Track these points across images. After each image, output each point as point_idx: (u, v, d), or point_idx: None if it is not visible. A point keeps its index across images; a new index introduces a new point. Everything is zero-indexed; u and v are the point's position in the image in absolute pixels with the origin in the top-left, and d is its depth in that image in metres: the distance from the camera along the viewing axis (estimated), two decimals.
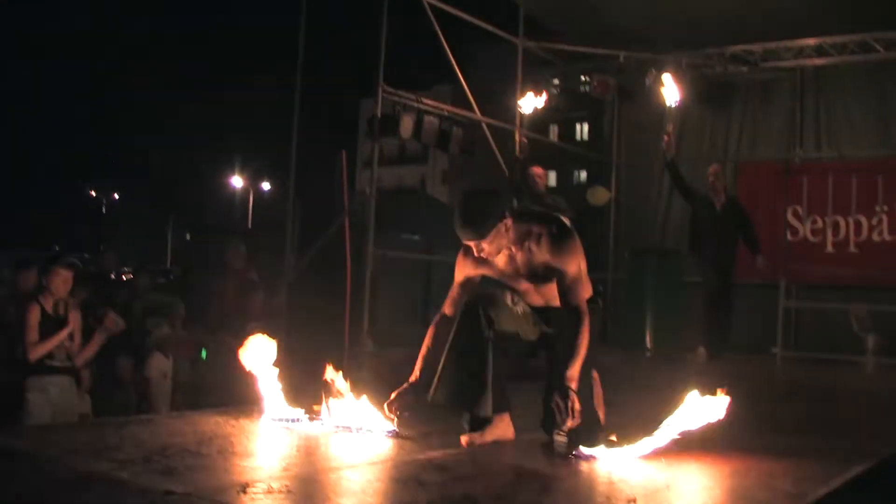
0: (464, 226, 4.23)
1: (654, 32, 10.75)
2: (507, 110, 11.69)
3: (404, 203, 16.25)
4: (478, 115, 10.72)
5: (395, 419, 4.24)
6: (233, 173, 46.01)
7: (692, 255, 10.03)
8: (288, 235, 10.95)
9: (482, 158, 11.44)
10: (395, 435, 4.23)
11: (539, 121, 12.18)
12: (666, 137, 9.82)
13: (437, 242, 13.55)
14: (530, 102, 10.98)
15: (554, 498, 3.23)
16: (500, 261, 4.45)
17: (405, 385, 4.36)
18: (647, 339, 10.26)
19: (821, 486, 3.57)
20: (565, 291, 4.34)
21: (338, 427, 4.36)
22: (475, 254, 4.38)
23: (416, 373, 4.41)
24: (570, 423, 4.02)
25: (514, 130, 11.04)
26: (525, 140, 10.80)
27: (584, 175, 43.38)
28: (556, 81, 12.78)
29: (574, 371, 4.14)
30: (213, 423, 4.57)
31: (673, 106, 10.37)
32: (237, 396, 8.61)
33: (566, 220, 4.51)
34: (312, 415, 4.52)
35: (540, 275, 4.40)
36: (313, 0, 9.88)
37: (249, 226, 35.38)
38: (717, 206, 9.69)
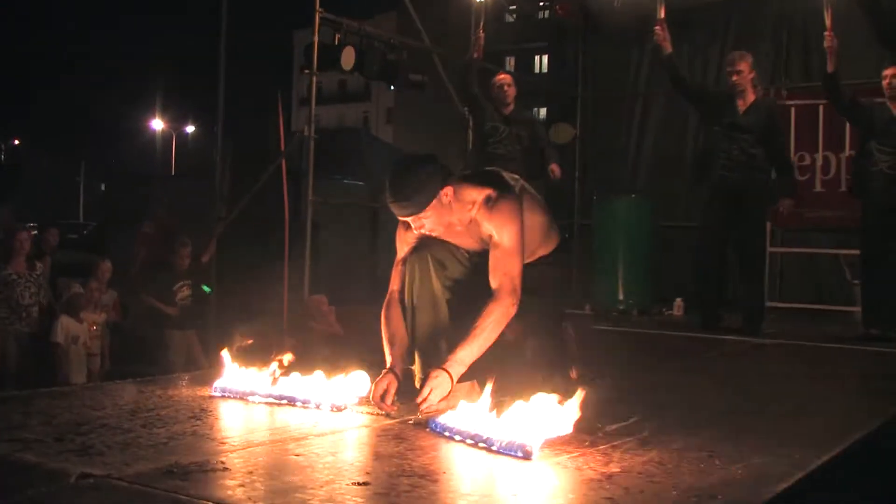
0: (394, 200, 4.06)
1: None
2: (459, 39, 11.52)
3: (346, 145, 16.01)
4: (427, 43, 10.55)
5: (393, 410, 4.03)
6: (153, 116, 45.45)
7: (697, 187, 8.70)
8: (217, 183, 10.78)
9: (432, 93, 11.31)
10: (341, 409, 4.09)
11: (493, 52, 12.00)
12: (658, 29, 8.33)
13: (384, 188, 13.41)
14: None
15: (527, 477, 3.16)
16: (447, 233, 4.30)
17: (384, 374, 4.16)
18: (619, 291, 10.24)
19: (822, 452, 3.54)
20: (495, 265, 4.15)
21: (281, 399, 4.23)
22: (415, 231, 4.22)
23: (390, 360, 4.26)
24: (420, 404, 3.92)
25: (468, 60, 10.68)
26: (482, 37, 9.47)
27: (543, 112, 43.29)
28: (512, 7, 12.65)
29: (465, 354, 3.99)
30: (137, 394, 4.43)
31: None
32: (165, 365, 8.57)
33: (512, 181, 4.34)
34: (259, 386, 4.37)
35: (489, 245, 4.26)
36: None
37: (172, 173, 34.99)
38: (742, 107, 8.06)
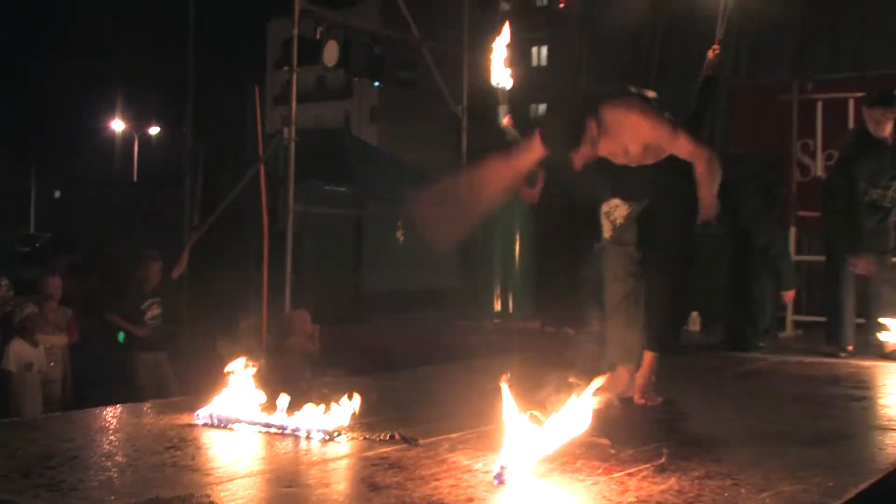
0: (551, 145, 4.94)
1: None
2: (449, 30, 11.58)
3: (326, 147, 16.02)
4: (417, 36, 10.62)
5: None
6: (112, 115, 45.37)
7: None
8: (187, 191, 10.80)
9: (422, 90, 11.39)
10: (333, 436, 4.11)
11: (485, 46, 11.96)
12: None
13: (369, 194, 13.46)
14: None
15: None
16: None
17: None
18: None
19: (857, 480, 3.60)
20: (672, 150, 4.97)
21: (267, 428, 4.26)
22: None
23: None
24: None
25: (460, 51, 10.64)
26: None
27: (542, 108, 43.27)
28: None
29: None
30: (109, 423, 4.47)
31: None
32: (131, 391, 8.55)
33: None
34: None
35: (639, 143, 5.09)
36: None
37: (135, 179, 34.96)
38: None
